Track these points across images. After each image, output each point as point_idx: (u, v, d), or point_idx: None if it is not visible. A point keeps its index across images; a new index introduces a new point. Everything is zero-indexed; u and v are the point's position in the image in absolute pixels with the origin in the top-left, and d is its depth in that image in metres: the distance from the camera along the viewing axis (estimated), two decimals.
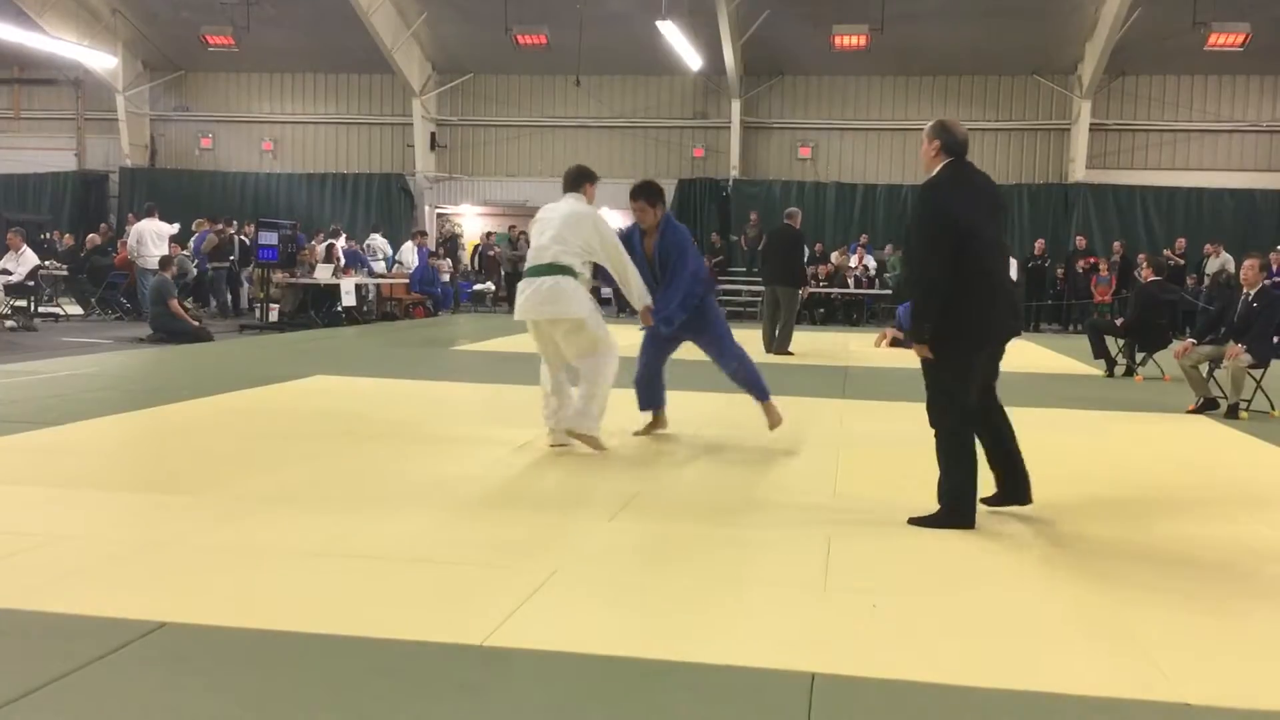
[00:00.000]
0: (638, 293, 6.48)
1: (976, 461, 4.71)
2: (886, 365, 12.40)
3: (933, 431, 4.75)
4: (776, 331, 13.41)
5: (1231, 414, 8.53)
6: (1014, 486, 4.90)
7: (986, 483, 4.81)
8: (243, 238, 19.77)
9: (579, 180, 6.44)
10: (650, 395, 7.00)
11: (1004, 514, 5.02)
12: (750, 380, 6.86)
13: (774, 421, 6.80)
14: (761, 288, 16.58)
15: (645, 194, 6.55)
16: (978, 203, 4.68)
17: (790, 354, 13.03)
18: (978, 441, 4.76)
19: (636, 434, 6.94)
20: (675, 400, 8.68)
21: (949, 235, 4.51)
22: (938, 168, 4.76)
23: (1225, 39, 18.92)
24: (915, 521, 4.72)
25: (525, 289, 6.15)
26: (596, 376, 6.28)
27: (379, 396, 8.63)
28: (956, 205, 4.58)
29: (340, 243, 19.55)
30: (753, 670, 3.02)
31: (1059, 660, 3.18)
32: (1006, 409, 4.96)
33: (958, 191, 4.66)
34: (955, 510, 4.68)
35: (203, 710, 2.69)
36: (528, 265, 6.21)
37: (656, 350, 6.96)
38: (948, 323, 4.56)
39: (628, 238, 6.58)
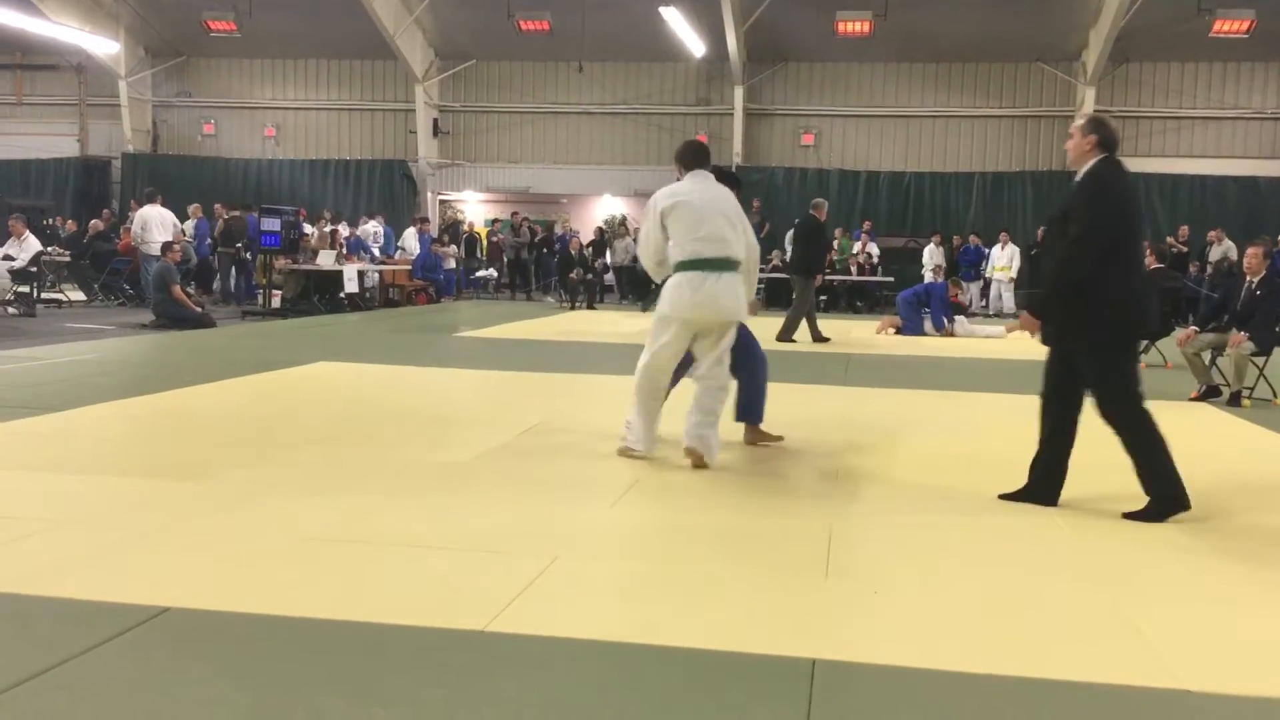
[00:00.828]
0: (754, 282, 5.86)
1: (1165, 439, 4.74)
2: (888, 353, 12.41)
3: (1115, 430, 4.77)
4: (802, 320, 13.38)
5: (1234, 402, 8.53)
6: (1047, 489, 4.92)
7: (995, 475, 4.81)
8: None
9: (705, 158, 5.80)
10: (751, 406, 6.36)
11: (1004, 503, 5.03)
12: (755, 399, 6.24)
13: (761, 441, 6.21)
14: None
15: (726, 180, 5.90)
16: (1134, 198, 4.86)
17: (793, 341, 13.02)
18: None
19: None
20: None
21: (1113, 229, 4.60)
22: (1093, 161, 4.80)
23: (1230, 26, 18.88)
24: (1132, 516, 4.71)
25: (700, 284, 5.42)
26: (723, 390, 5.70)
27: (381, 383, 8.64)
28: (1124, 198, 4.73)
29: (342, 229, 19.53)
30: (754, 656, 3.03)
31: (1059, 647, 3.19)
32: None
33: (1121, 185, 4.77)
34: (1170, 497, 4.71)
35: (206, 694, 2.70)
36: (699, 256, 5.42)
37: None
38: (1115, 314, 4.65)
39: None
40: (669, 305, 5.50)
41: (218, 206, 19.45)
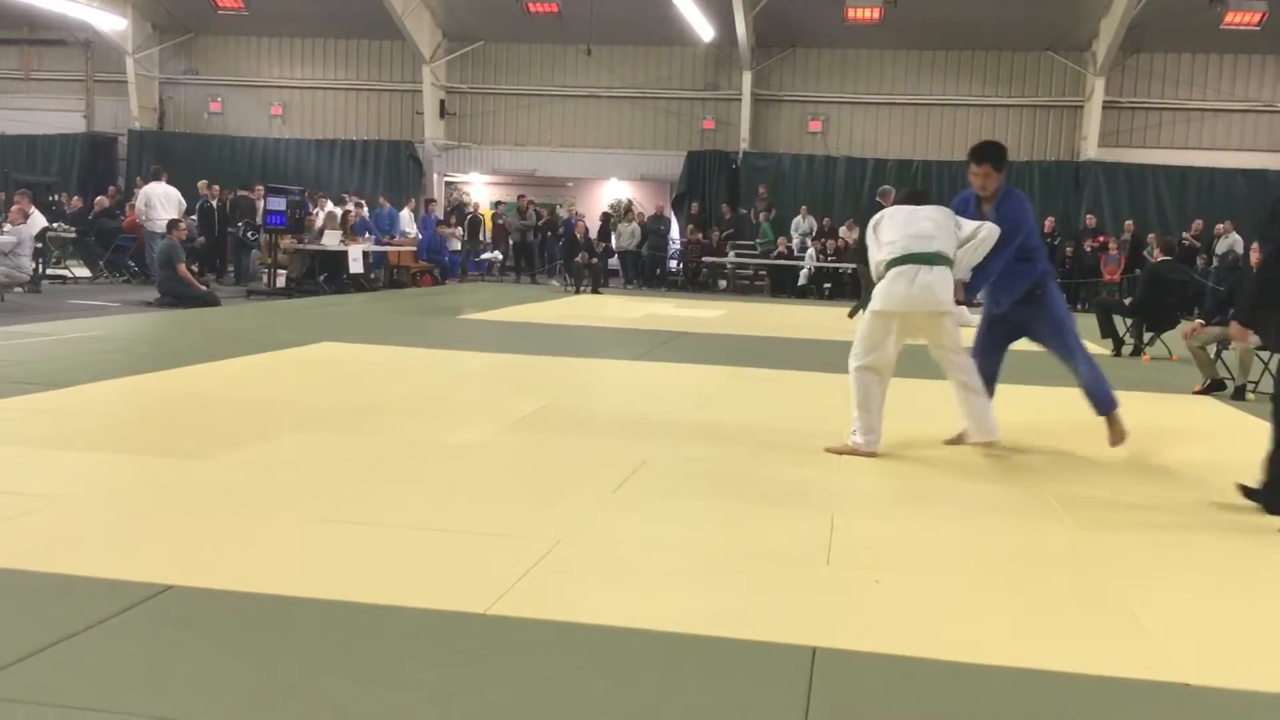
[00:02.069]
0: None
1: None
2: None
3: None
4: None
5: (1238, 395, 8.51)
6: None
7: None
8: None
9: (920, 200, 6.07)
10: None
11: (1009, 494, 5.03)
12: (1096, 389, 5.98)
13: (1116, 438, 5.94)
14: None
15: (992, 157, 5.89)
16: None
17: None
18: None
19: (947, 442, 6.10)
20: (680, 373, 8.71)
21: None
22: None
23: (1242, 18, 18.78)
24: (1249, 494, 4.80)
25: (913, 277, 5.57)
26: (972, 372, 5.85)
27: (386, 364, 8.64)
28: None
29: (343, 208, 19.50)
30: (754, 643, 3.04)
31: (1060, 638, 3.19)
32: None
33: None
34: None
35: (208, 673, 2.71)
36: (910, 251, 5.62)
37: (988, 348, 6.16)
38: None
39: (957, 208, 6.03)
40: (881, 301, 5.70)
41: (201, 185, 19.42)
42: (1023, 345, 6.27)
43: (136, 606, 3.10)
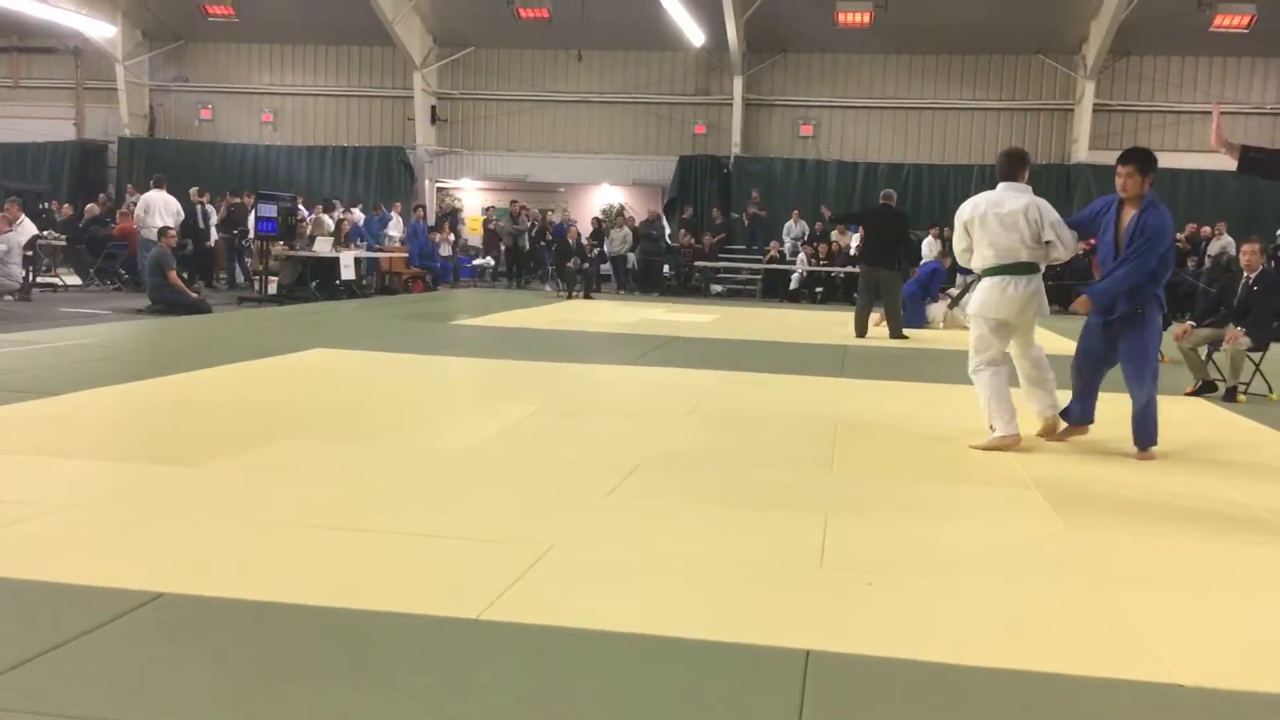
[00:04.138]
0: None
1: None
2: (885, 345, 12.41)
3: None
4: (871, 316, 13.25)
5: (1230, 397, 8.54)
6: None
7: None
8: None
9: (1016, 167, 6.29)
10: (1083, 409, 6.33)
11: (997, 495, 5.04)
12: (1142, 422, 6.08)
13: (1144, 458, 6.04)
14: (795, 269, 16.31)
15: (1137, 159, 6.02)
16: None
17: (905, 338, 12.91)
18: None
19: (1040, 435, 6.34)
20: (673, 377, 8.71)
21: None
22: None
23: (1231, 20, 18.87)
24: None
25: (1004, 288, 6.08)
26: (1045, 362, 6.42)
27: (378, 370, 8.63)
28: None
29: (332, 217, 19.48)
30: (747, 647, 3.03)
31: (1052, 640, 3.19)
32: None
33: None
34: None
35: (200, 680, 2.70)
36: (1001, 263, 6.08)
37: (1091, 360, 6.26)
38: None
39: (1098, 211, 6.15)
40: (978, 306, 6.19)
41: (193, 192, 19.37)
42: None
43: (128, 614, 3.09)
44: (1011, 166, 6.28)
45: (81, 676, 2.70)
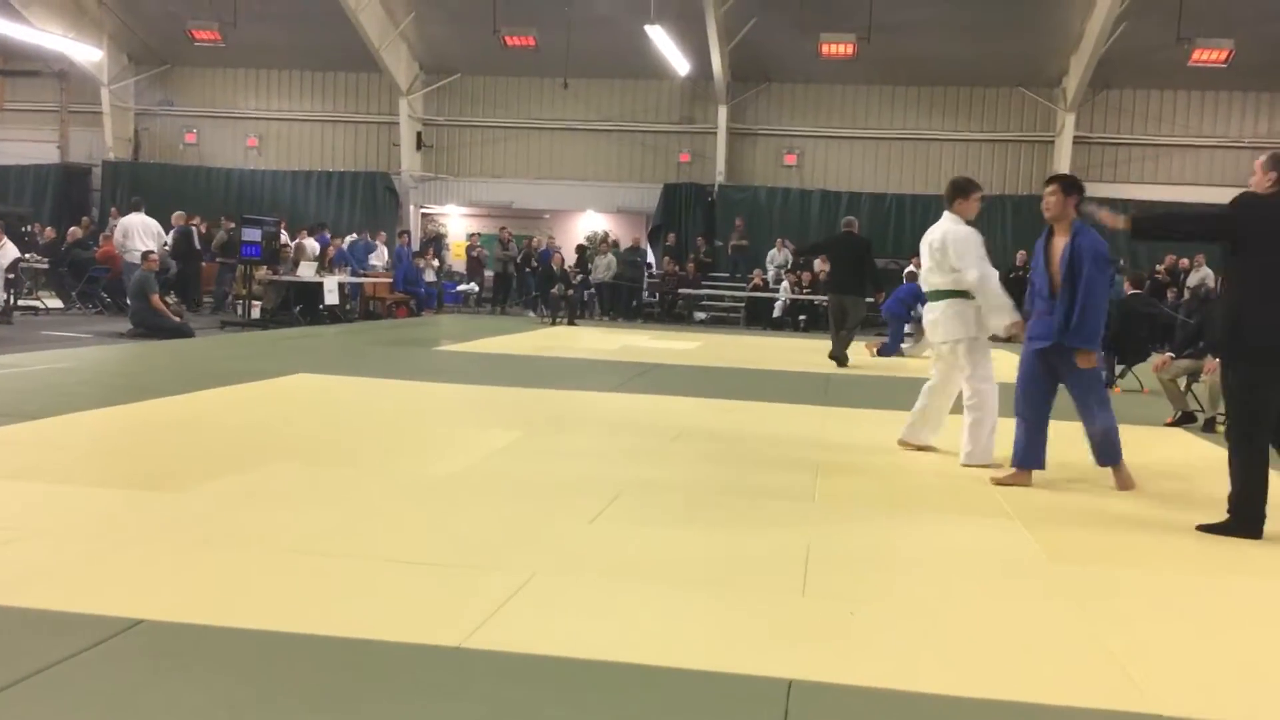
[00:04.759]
0: (994, 305, 6.46)
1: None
2: (869, 373, 12.45)
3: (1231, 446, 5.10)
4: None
5: (1208, 427, 8.59)
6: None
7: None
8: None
9: (951, 196, 6.75)
10: (1029, 451, 6.02)
11: (980, 525, 5.06)
12: (1103, 446, 6.02)
13: (1123, 484, 5.99)
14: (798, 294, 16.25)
15: (1062, 179, 5.99)
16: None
17: (844, 363, 12.89)
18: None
19: (996, 481, 6.08)
20: (656, 404, 8.72)
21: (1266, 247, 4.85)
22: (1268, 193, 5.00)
23: (1209, 55, 19.07)
24: (1205, 527, 5.06)
25: (925, 314, 6.87)
26: (980, 402, 6.52)
27: (361, 395, 8.61)
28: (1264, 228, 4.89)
29: (312, 241, 19.45)
30: (730, 676, 3.03)
31: (1033, 670, 3.20)
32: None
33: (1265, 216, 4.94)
34: (1247, 520, 4.99)
35: (178, 708, 2.69)
36: (925, 288, 6.86)
37: (1031, 389, 6.03)
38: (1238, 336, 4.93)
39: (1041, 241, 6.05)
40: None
41: (177, 216, 19.34)
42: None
43: (108, 641, 3.07)
44: (948, 195, 6.75)
45: (60, 704, 2.68)
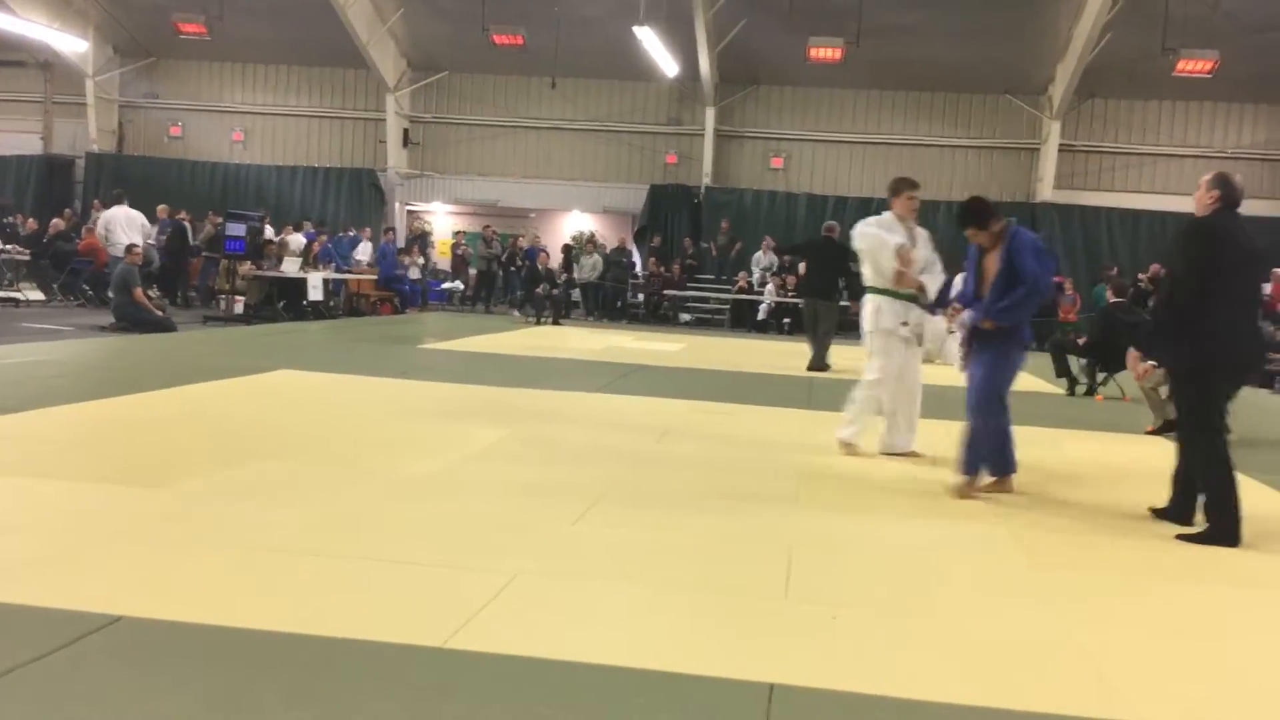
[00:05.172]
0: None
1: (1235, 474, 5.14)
2: (853, 378, 12.45)
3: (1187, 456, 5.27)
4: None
5: None
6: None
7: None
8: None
9: (890, 194, 7.02)
10: (998, 458, 5.93)
11: (963, 530, 5.08)
12: (966, 448, 5.88)
13: (959, 493, 5.83)
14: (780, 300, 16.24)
15: (963, 221, 5.93)
16: (1242, 247, 5.17)
17: (827, 368, 12.82)
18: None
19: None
20: (640, 406, 8.72)
21: (1203, 264, 5.03)
22: (1206, 212, 5.23)
23: (1193, 66, 19.19)
24: (1185, 537, 5.11)
25: None
26: (868, 390, 6.96)
27: (344, 392, 8.59)
28: (1218, 248, 5.09)
29: (297, 236, 19.41)
30: (712, 679, 3.03)
31: (1013, 677, 3.22)
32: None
33: (1230, 234, 5.15)
34: (1224, 529, 5.05)
35: (159, 706, 2.67)
36: None
37: (985, 390, 5.96)
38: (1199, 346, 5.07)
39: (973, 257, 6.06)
40: None
41: (160, 209, 19.26)
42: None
43: (87, 637, 3.05)
44: (889, 194, 7.09)
45: (39, 700, 2.66)
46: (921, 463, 6.75)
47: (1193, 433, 5.21)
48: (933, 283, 6.86)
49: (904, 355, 6.94)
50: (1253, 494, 6.51)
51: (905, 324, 6.88)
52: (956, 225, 5.98)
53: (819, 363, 12.94)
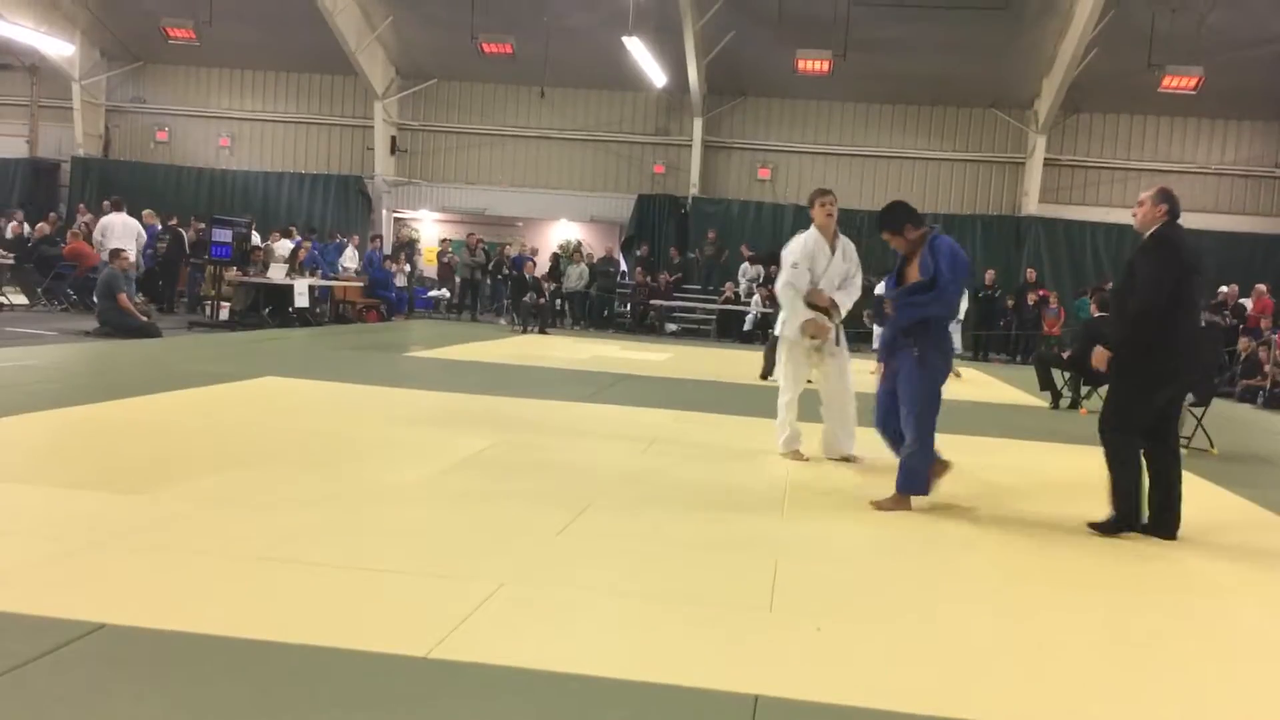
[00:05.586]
0: (786, 308, 7.12)
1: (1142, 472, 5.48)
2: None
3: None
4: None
5: None
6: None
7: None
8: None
9: (809, 205, 7.26)
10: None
11: (944, 543, 5.10)
12: (902, 468, 5.77)
13: (884, 505, 5.71)
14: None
15: (883, 225, 5.94)
16: (1193, 257, 5.50)
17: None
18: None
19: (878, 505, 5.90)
20: (627, 415, 8.73)
21: (1172, 276, 5.30)
22: (1157, 225, 5.62)
23: (1179, 82, 19.34)
24: (1094, 526, 5.43)
25: None
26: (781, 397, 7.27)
27: (329, 400, 8.56)
28: (1184, 258, 5.41)
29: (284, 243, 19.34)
30: (697, 690, 3.04)
31: (996, 692, 3.23)
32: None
33: (1184, 247, 5.48)
34: (1123, 516, 5.40)
35: (142, 714, 2.66)
36: None
37: (882, 399, 5.96)
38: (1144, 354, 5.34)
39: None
40: None
41: (146, 214, 19.18)
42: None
43: (68, 645, 3.04)
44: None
45: (21, 708, 2.65)
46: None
47: (1115, 430, 5.43)
48: (847, 298, 7.05)
49: (808, 365, 7.26)
50: (1231, 505, 6.56)
51: (814, 337, 7.04)
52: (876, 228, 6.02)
53: (769, 371, 12.97)
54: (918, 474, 5.67)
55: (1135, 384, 5.38)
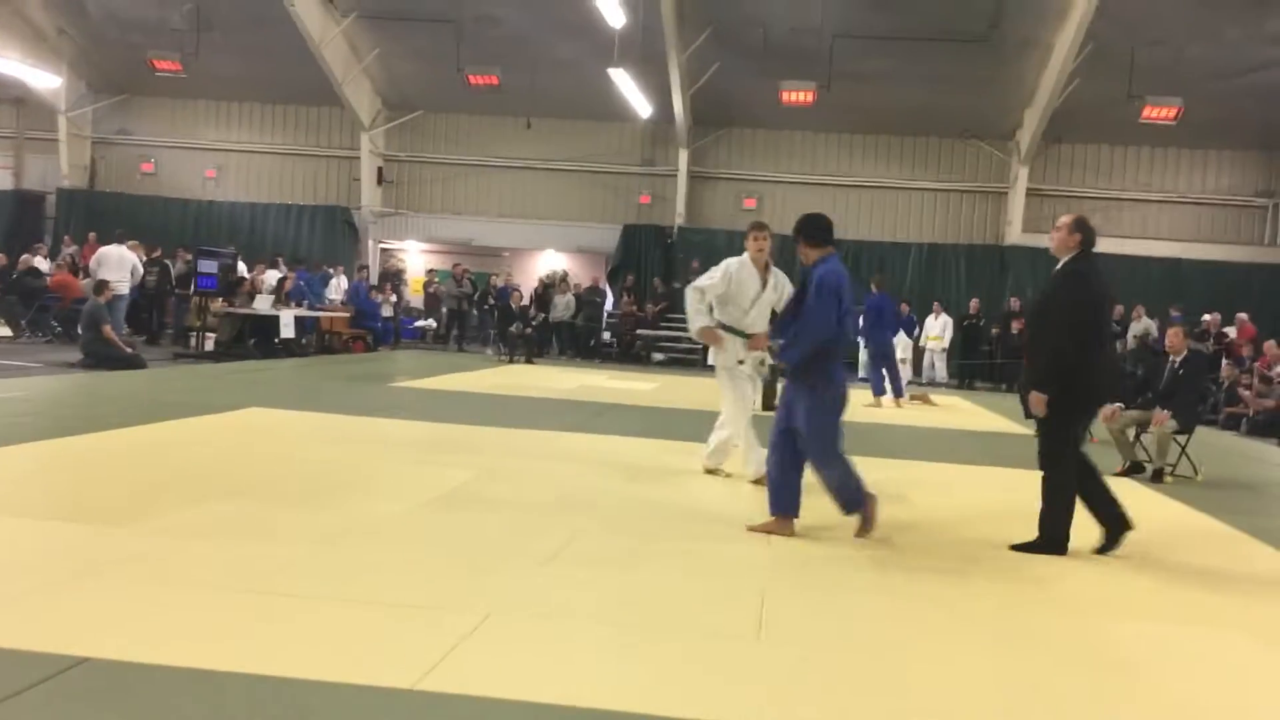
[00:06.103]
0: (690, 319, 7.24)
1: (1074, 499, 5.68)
2: None
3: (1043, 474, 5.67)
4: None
5: (1156, 478, 8.72)
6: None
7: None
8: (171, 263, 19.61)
9: (744, 237, 7.37)
10: (792, 498, 5.72)
11: (924, 573, 5.10)
12: (840, 493, 5.67)
13: (765, 528, 5.68)
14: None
15: (795, 232, 5.97)
16: (1106, 287, 5.78)
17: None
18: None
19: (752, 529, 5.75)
20: (613, 445, 8.72)
21: (1084, 312, 5.50)
22: (1071, 255, 5.80)
23: (1159, 113, 19.54)
24: (1017, 547, 5.59)
25: None
26: (722, 423, 7.45)
27: (314, 431, 8.53)
28: (1093, 294, 5.63)
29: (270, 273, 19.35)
30: None
31: (983, 716, 3.23)
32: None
33: (1097, 279, 5.72)
34: (1052, 540, 5.59)
35: None
36: None
37: (778, 427, 5.80)
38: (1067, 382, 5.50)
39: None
40: None
41: (131, 245, 19.17)
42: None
43: (50, 679, 3.02)
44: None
45: None
46: (892, 500, 6.76)
47: (1054, 461, 5.64)
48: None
49: (752, 388, 7.54)
50: (1219, 536, 6.59)
51: (742, 362, 7.25)
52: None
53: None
54: (847, 489, 5.60)
55: (1059, 421, 5.57)
